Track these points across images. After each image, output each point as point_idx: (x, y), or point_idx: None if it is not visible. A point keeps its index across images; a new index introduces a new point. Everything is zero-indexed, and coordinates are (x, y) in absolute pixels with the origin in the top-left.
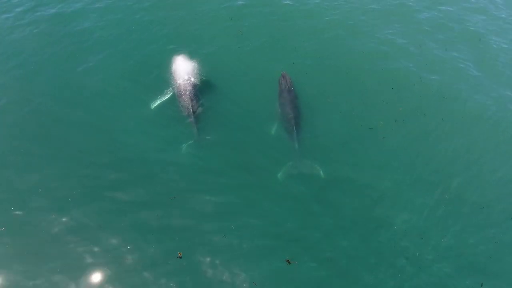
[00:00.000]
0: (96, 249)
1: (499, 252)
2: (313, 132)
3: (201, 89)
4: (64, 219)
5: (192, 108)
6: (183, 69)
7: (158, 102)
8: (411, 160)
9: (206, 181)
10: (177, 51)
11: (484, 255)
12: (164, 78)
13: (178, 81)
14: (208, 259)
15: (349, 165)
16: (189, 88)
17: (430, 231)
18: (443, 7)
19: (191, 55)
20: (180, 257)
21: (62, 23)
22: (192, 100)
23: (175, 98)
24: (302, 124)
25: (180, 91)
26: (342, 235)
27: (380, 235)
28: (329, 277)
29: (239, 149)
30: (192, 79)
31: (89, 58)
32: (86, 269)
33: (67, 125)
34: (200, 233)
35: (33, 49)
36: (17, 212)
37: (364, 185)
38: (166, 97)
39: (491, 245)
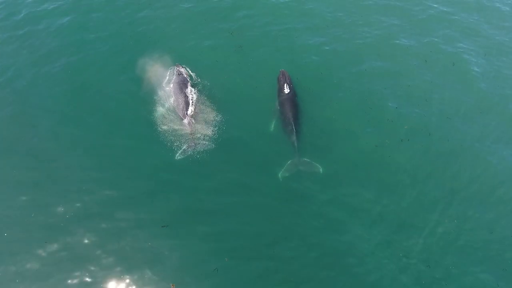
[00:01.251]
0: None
1: (505, 273)
2: (313, 132)
3: (198, 89)
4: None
5: (187, 112)
6: (179, 72)
7: (161, 109)
8: (414, 174)
9: (203, 186)
10: (173, 54)
11: (487, 272)
12: (160, 81)
13: (174, 84)
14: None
15: (349, 166)
16: (184, 90)
17: (432, 247)
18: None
19: (189, 55)
20: None
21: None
22: (187, 103)
23: (173, 101)
24: (301, 122)
25: (176, 93)
26: (342, 241)
27: (382, 251)
28: None
29: (238, 150)
30: (188, 82)
31: (87, 58)
32: None
33: (61, 128)
34: (198, 253)
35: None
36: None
37: (363, 187)
38: (165, 103)
39: (494, 265)
